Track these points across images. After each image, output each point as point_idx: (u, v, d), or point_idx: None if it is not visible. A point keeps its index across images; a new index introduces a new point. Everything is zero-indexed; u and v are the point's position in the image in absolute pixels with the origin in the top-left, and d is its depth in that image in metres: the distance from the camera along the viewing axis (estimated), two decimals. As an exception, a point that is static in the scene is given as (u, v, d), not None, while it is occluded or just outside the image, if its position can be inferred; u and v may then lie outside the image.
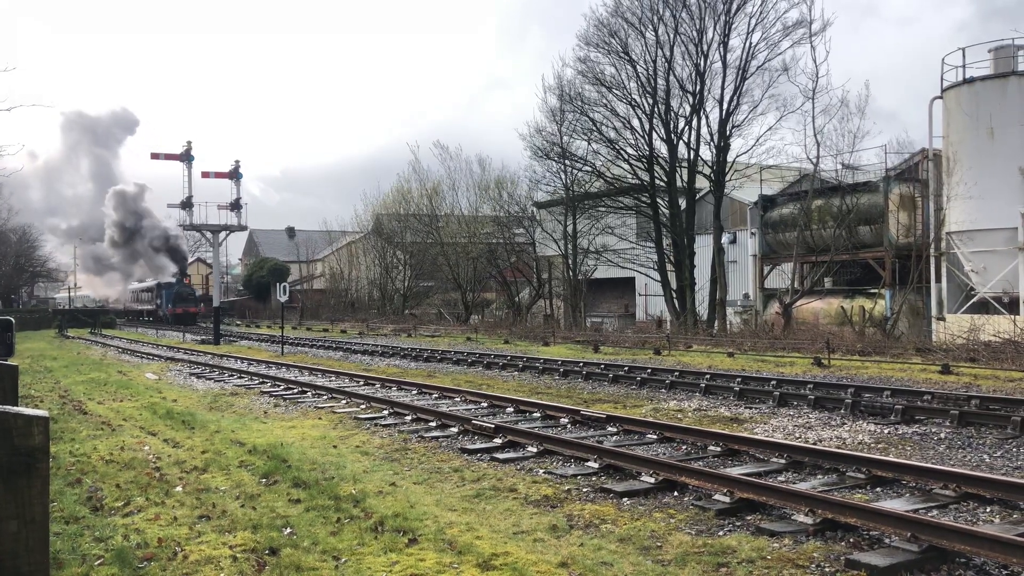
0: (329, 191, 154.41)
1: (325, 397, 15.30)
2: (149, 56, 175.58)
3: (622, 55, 35.19)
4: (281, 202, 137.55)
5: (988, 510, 6.95)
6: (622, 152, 36.56)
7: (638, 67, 35.08)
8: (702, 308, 35.00)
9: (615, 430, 11.01)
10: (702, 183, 36.23)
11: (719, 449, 9.51)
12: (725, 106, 33.81)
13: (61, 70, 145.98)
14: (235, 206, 38.58)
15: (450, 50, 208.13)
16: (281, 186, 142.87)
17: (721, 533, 6.43)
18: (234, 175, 38.87)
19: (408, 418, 12.35)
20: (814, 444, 9.95)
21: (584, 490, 7.84)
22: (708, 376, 16.51)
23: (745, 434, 10.43)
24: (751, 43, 33.10)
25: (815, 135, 30.10)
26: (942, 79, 27.88)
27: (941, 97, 27.98)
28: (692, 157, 34.96)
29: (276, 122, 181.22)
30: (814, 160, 30.34)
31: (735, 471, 8.22)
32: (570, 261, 40.37)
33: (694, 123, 34.81)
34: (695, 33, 33.96)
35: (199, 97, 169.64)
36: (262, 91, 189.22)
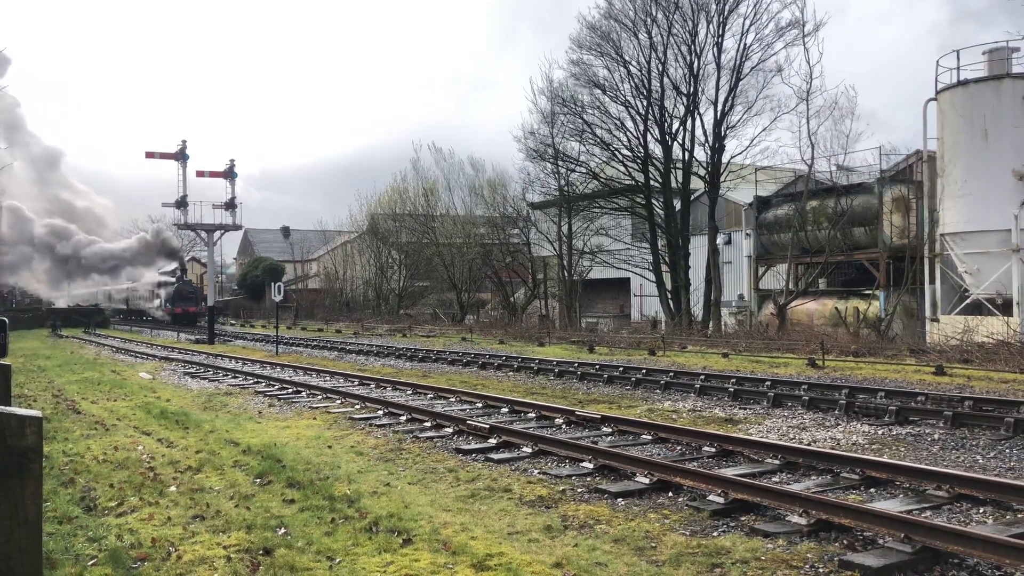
0: (310, 190, 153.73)
1: (320, 397, 15.28)
2: (134, 53, 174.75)
3: (615, 57, 35.25)
4: (263, 201, 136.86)
5: (981, 511, 6.98)
6: (616, 153, 36.61)
7: (631, 68, 35.17)
8: (697, 309, 35.05)
9: (610, 430, 11.02)
10: (697, 184, 36.28)
11: (713, 450, 9.53)
12: (719, 107, 33.93)
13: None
14: (230, 205, 38.52)
15: (437, 49, 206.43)
16: (262, 185, 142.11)
17: (715, 534, 6.44)
18: (229, 174, 38.80)
19: (403, 418, 12.34)
20: (808, 445, 9.97)
21: (579, 490, 7.84)
22: (703, 377, 16.53)
23: (739, 435, 10.44)
24: (745, 44, 33.21)
25: (809, 136, 30.17)
26: (936, 81, 27.99)
27: (935, 99, 28.06)
28: (687, 158, 35.02)
29: (255, 121, 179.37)
30: (808, 161, 30.41)
31: (729, 472, 8.23)
32: (565, 262, 40.40)
33: (688, 124, 34.91)
34: (687, 35, 34.06)
35: (175, 96, 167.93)
36: (242, 89, 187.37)
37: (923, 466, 8.23)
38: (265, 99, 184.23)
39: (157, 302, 59.83)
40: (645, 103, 35.18)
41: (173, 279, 57.49)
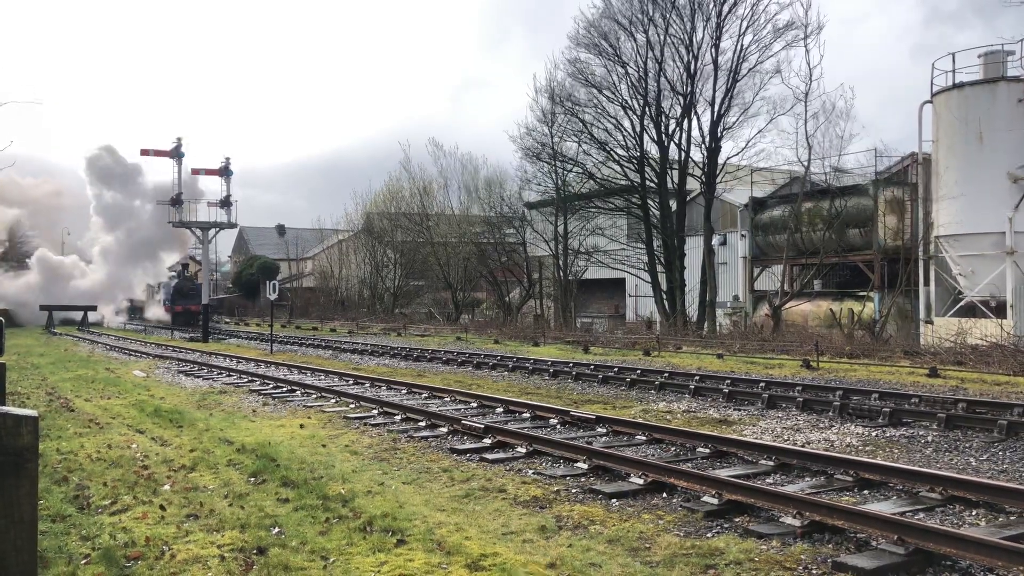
0: (294, 187, 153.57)
1: (314, 396, 15.26)
2: (109, 50, 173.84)
3: (612, 57, 35.26)
4: (244, 197, 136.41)
5: (974, 513, 7.00)
6: (613, 153, 36.62)
7: (628, 68, 35.13)
8: (692, 309, 35.08)
9: (604, 431, 11.03)
10: (693, 185, 36.30)
11: (708, 451, 9.54)
12: (716, 108, 33.90)
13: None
14: (225, 203, 38.47)
15: (426, 46, 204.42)
16: (244, 182, 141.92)
17: (709, 535, 6.45)
18: (224, 172, 38.76)
19: (397, 417, 12.34)
20: (802, 446, 9.99)
21: (573, 491, 7.85)
22: (697, 378, 16.55)
23: (734, 436, 10.46)
24: (742, 45, 33.18)
25: (806, 138, 30.21)
26: (932, 83, 28.06)
27: (931, 101, 28.13)
28: (683, 159, 35.02)
29: (237, 117, 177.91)
30: (804, 163, 30.45)
31: (724, 473, 8.24)
32: (560, 262, 40.41)
33: (685, 125, 34.87)
34: (685, 35, 34.02)
35: (153, 92, 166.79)
36: (225, 86, 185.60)
37: (916, 468, 8.25)
38: (249, 96, 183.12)
39: (158, 298, 57.89)
40: (642, 103, 35.17)
41: (173, 274, 55.09)
